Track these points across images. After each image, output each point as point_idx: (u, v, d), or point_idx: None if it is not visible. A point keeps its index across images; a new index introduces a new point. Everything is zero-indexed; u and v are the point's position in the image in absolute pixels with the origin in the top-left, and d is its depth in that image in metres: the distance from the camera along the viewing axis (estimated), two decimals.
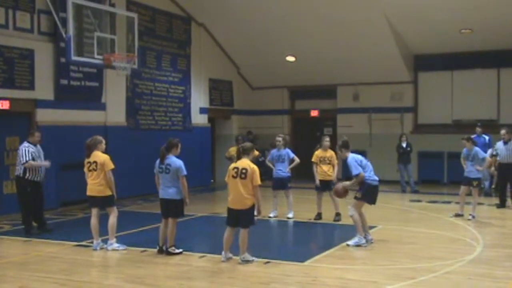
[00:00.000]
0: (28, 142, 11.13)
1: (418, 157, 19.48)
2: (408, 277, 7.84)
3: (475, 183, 12.57)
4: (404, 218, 13.18)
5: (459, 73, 19.62)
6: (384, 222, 11.98)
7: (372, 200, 9.94)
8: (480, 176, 12.95)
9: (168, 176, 9.18)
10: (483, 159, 12.55)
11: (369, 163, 9.93)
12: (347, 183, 10.05)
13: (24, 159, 10.91)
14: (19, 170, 11.08)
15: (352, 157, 9.82)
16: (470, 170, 12.59)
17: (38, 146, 11.29)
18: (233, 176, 8.57)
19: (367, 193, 9.82)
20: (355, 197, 9.94)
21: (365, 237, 9.83)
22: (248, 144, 9.03)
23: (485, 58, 18.97)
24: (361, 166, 9.75)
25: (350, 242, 9.82)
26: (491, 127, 17.87)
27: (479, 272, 8.18)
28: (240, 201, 8.54)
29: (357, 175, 9.68)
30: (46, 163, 11.13)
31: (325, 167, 12.33)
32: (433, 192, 17.48)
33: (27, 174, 11.01)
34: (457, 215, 12.69)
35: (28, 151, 10.95)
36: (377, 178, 9.95)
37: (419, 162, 19.54)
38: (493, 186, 16.35)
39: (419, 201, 15.69)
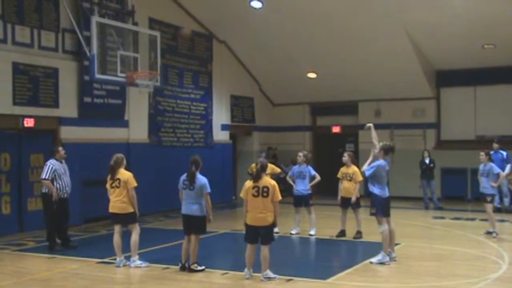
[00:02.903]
0: (54, 159, 11.28)
1: (441, 173, 19.31)
2: None
3: (488, 198, 12.40)
4: (428, 235, 13.04)
5: (482, 88, 19.46)
6: (408, 239, 11.86)
7: (385, 212, 9.87)
8: (495, 192, 12.77)
9: (192, 192, 9.20)
10: (497, 174, 12.41)
11: (386, 179, 9.88)
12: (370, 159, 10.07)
13: (44, 175, 11.06)
14: (44, 187, 11.21)
15: (379, 164, 9.80)
16: (485, 186, 12.43)
17: (64, 162, 11.42)
18: (253, 195, 8.57)
19: (379, 206, 9.78)
20: (371, 213, 9.93)
21: (388, 255, 9.75)
22: (264, 161, 9.03)
23: (508, 73, 18.77)
24: (376, 177, 9.76)
25: (373, 260, 9.74)
26: None
27: None
28: (261, 219, 8.53)
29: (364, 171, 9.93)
30: (54, 192, 11.05)
31: (346, 184, 12.27)
32: (456, 208, 17.27)
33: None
34: (488, 233, 12.45)
35: (51, 168, 11.08)
36: (387, 193, 9.91)
37: (442, 178, 19.38)
38: None
39: (442, 218, 15.52)
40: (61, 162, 11.33)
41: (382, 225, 9.79)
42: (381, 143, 10.02)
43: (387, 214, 9.90)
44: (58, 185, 11.12)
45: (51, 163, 11.16)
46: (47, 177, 11.03)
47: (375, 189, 9.80)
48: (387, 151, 9.92)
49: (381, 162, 9.83)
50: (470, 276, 8.77)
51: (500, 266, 9.52)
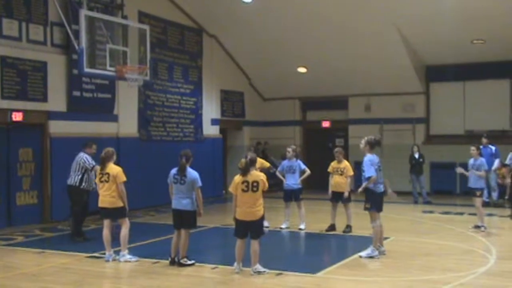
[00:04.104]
0: (85, 152, 11.41)
1: (431, 168, 19.40)
2: None
3: (477, 193, 12.45)
4: (417, 230, 13.10)
5: (471, 83, 19.55)
6: (397, 233, 11.91)
7: (379, 208, 9.89)
8: (483, 186, 12.81)
9: (183, 187, 9.17)
10: (484, 170, 12.46)
11: (380, 173, 9.88)
12: (360, 189, 9.96)
13: (90, 164, 11.26)
14: (74, 179, 11.32)
15: (369, 159, 9.74)
16: (473, 180, 12.50)
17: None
18: (243, 190, 8.57)
19: (373, 201, 9.78)
20: (365, 208, 9.91)
21: (377, 249, 9.78)
22: (253, 155, 9.03)
23: (498, 69, 18.88)
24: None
25: (362, 254, 9.77)
26: (504, 137, 17.74)
27: (493, 284, 8.13)
28: (251, 213, 8.54)
29: (369, 178, 9.63)
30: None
31: (337, 178, 12.30)
32: (445, 203, 17.37)
33: (83, 184, 11.29)
34: (476, 227, 12.48)
35: (88, 158, 11.31)
36: (381, 189, 9.90)
37: (431, 173, 19.46)
38: (506, 197, 16.23)
39: (431, 212, 15.60)
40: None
41: (375, 220, 9.80)
42: (366, 137, 9.97)
43: (380, 210, 9.92)
44: (88, 178, 11.30)
45: (86, 156, 11.37)
46: (93, 163, 11.20)
47: (370, 185, 9.78)
48: (372, 145, 9.86)
49: (370, 157, 9.79)
50: (458, 270, 8.82)
51: (488, 260, 9.57)
